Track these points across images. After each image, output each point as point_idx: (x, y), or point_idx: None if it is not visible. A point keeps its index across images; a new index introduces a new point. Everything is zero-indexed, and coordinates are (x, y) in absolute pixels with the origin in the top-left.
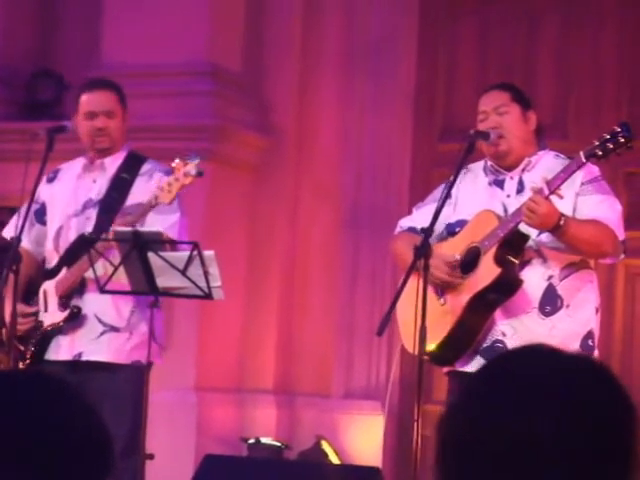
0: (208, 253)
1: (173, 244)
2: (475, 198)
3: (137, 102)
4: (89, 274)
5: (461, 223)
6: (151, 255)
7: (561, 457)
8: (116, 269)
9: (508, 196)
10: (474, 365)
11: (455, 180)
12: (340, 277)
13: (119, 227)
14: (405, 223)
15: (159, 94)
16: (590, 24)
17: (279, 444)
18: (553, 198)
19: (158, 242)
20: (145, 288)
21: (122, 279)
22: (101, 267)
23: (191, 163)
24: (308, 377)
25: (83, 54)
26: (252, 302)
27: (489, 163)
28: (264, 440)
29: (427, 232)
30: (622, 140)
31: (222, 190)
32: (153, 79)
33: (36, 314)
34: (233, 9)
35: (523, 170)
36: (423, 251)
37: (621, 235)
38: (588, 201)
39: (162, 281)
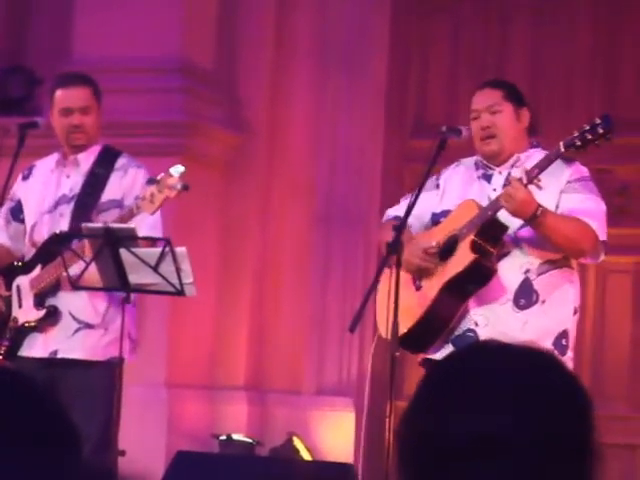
0: (180, 249)
1: (146, 240)
2: (462, 190)
3: (108, 98)
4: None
5: (446, 213)
6: (123, 251)
7: (517, 448)
8: (88, 265)
9: (494, 190)
10: (445, 353)
11: (428, 175)
12: (312, 273)
13: (91, 223)
14: (392, 212)
15: (130, 90)
16: (562, 23)
17: (250, 441)
18: (533, 189)
19: (130, 238)
20: (117, 284)
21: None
22: (77, 267)
23: (176, 176)
24: (280, 373)
25: (54, 49)
26: (224, 298)
27: (479, 158)
28: (235, 437)
29: (399, 229)
30: (601, 131)
31: (193, 186)
32: (124, 75)
33: (8, 300)
34: (206, 6)
35: (512, 166)
36: (396, 247)
37: (602, 235)
38: (571, 199)
39: (134, 278)
